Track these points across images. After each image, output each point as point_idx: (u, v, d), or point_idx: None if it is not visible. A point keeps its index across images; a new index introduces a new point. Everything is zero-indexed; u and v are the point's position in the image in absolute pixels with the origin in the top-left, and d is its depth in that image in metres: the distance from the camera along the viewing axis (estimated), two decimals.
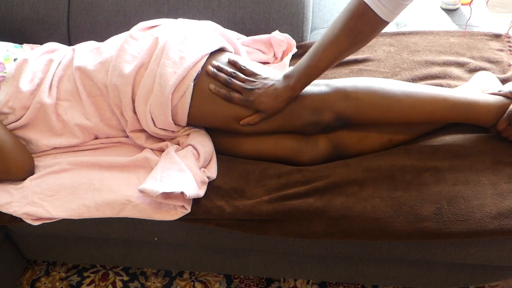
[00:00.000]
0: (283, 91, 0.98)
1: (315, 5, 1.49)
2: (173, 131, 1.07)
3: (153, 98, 1.00)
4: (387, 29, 1.36)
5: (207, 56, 1.03)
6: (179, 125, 1.06)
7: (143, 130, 1.08)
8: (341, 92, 1.00)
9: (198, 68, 1.01)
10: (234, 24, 1.27)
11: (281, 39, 1.25)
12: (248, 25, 1.29)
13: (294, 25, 1.30)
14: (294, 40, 1.26)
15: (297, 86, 0.98)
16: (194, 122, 1.06)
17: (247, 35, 1.29)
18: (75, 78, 1.06)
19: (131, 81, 1.01)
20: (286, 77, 0.99)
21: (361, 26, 0.89)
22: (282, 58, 1.27)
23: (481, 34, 1.28)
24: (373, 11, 0.85)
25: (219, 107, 1.01)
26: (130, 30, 1.09)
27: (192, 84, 1.00)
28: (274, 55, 1.28)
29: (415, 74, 1.18)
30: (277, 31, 1.26)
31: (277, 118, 1.02)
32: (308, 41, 1.33)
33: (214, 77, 1.01)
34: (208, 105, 1.02)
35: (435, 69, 1.18)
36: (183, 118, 1.03)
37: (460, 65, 1.19)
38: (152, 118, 1.02)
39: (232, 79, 1.01)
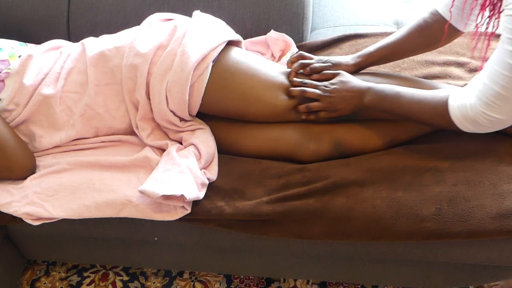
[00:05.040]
0: (355, 100, 1.00)
1: (315, 5, 1.49)
2: (178, 125, 1.07)
3: (171, 75, 1.01)
4: (387, 30, 1.36)
5: (226, 42, 1.07)
6: (189, 113, 1.07)
7: (151, 120, 1.08)
8: None
9: (219, 50, 1.04)
10: (234, 24, 1.27)
11: (277, 38, 1.26)
12: (248, 25, 1.29)
13: (294, 25, 1.30)
14: (290, 38, 1.26)
15: (368, 103, 0.99)
16: (206, 106, 1.06)
17: (247, 35, 1.29)
18: (88, 67, 1.07)
19: (148, 60, 1.02)
20: (367, 90, 0.99)
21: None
22: (280, 58, 1.27)
23: (481, 34, 1.28)
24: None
25: (234, 88, 1.04)
26: (147, 19, 1.11)
27: (211, 64, 1.02)
28: (272, 54, 1.28)
29: (415, 74, 1.18)
30: (272, 30, 1.26)
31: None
32: (308, 41, 1.33)
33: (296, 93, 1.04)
34: (223, 88, 1.04)
35: (435, 69, 1.18)
36: (197, 99, 1.04)
37: (460, 65, 1.19)
38: (166, 97, 1.03)
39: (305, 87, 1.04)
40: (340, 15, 1.44)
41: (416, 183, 0.97)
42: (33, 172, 1.06)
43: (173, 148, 1.03)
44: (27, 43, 1.15)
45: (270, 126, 1.07)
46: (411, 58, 1.22)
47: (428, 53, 1.23)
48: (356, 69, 1.08)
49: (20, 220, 1.01)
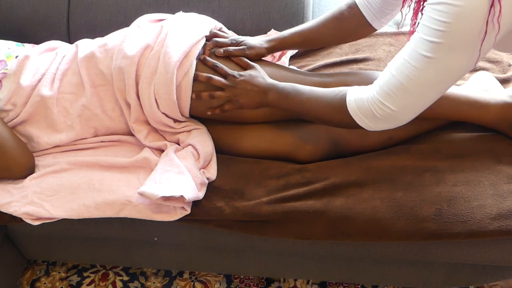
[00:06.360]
0: (259, 97, 0.99)
1: (315, 5, 1.49)
2: (173, 126, 1.07)
3: (157, 77, 1.00)
4: (387, 29, 1.36)
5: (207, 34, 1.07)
6: (181, 114, 1.06)
7: (145, 122, 1.08)
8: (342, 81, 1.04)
9: (200, 46, 1.03)
10: (234, 24, 1.27)
11: None
12: (248, 25, 1.29)
13: (294, 25, 1.28)
14: None
15: (271, 101, 0.98)
16: (198, 108, 1.05)
17: (247, 35, 1.29)
18: (80, 68, 1.07)
19: (135, 61, 1.02)
20: (271, 88, 0.98)
21: None
22: (280, 57, 1.27)
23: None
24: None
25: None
26: (136, 20, 1.11)
27: (195, 62, 1.02)
28: (272, 54, 1.28)
29: None
30: (272, 30, 1.26)
31: None
32: None
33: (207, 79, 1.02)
34: (210, 85, 1.02)
35: None
36: (186, 99, 1.03)
37: None
38: (156, 100, 1.02)
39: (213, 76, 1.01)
40: None
41: (416, 184, 0.96)
42: (32, 171, 1.06)
43: (171, 149, 1.03)
44: (24, 44, 1.15)
45: (267, 126, 1.07)
46: None
47: None
48: (268, 52, 1.08)
49: (20, 220, 1.01)
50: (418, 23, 0.83)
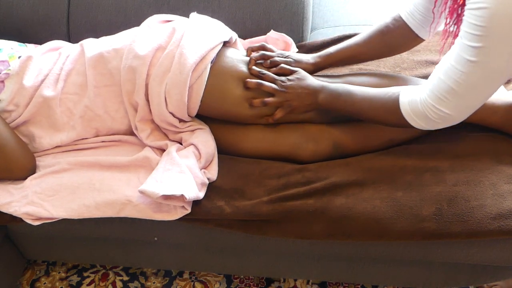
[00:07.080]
0: (310, 98, 1.01)
1: (315, 5, 1.49)
2: (178, 126, 1.07)
3: (170, 77, 1.00)
4: None
5: (223, 42, 1.07)
6: (188, 115, 1.07)
7: (150, 121, 1.08)
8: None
9: (216, 51, 1.04)
10: (234, 24, 1.27)
11: (277, 38, 1.26)
12: (248, 25, 1.29)
13: (294, 25, 1.30)
14: (290, 38, 1.26)
15: (322, 101, 1.00)
16: (205, 109, 1.06)
17: (247, 35, 1.29)
18: (87, 68, 1.06)
19: (147, 62, 1.02)
20: (322, 89, 1.00)
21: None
22: None
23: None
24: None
25: (231, 90, 1.03)
26: (146, 20, 1.11)
27: (209, 65, 1.02)
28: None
29: (415, 73, 1.18)
30: (272, 30, 1.26)
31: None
32: (308, 41, 1.33)
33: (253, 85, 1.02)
34: (221, 89, 1.03)
35: None
36: (196, 101, 1.03)
37: None
38: (165, 99, 1.02)
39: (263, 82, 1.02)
40: (340, 15, 1.44)
41: (416, 183, 0.97)
42: (33, 172, 1.06)
43: (173, 148, 1.03)
44: (26, 44, 1.15)
45: (269, 127, 1.07)
46: (411, 58, 1.22)
47: (428, 52, 1.24)
48: (315, 68, 1.09)
49: (20, 220, 1.01)
50: (454, 24, 0.83)
